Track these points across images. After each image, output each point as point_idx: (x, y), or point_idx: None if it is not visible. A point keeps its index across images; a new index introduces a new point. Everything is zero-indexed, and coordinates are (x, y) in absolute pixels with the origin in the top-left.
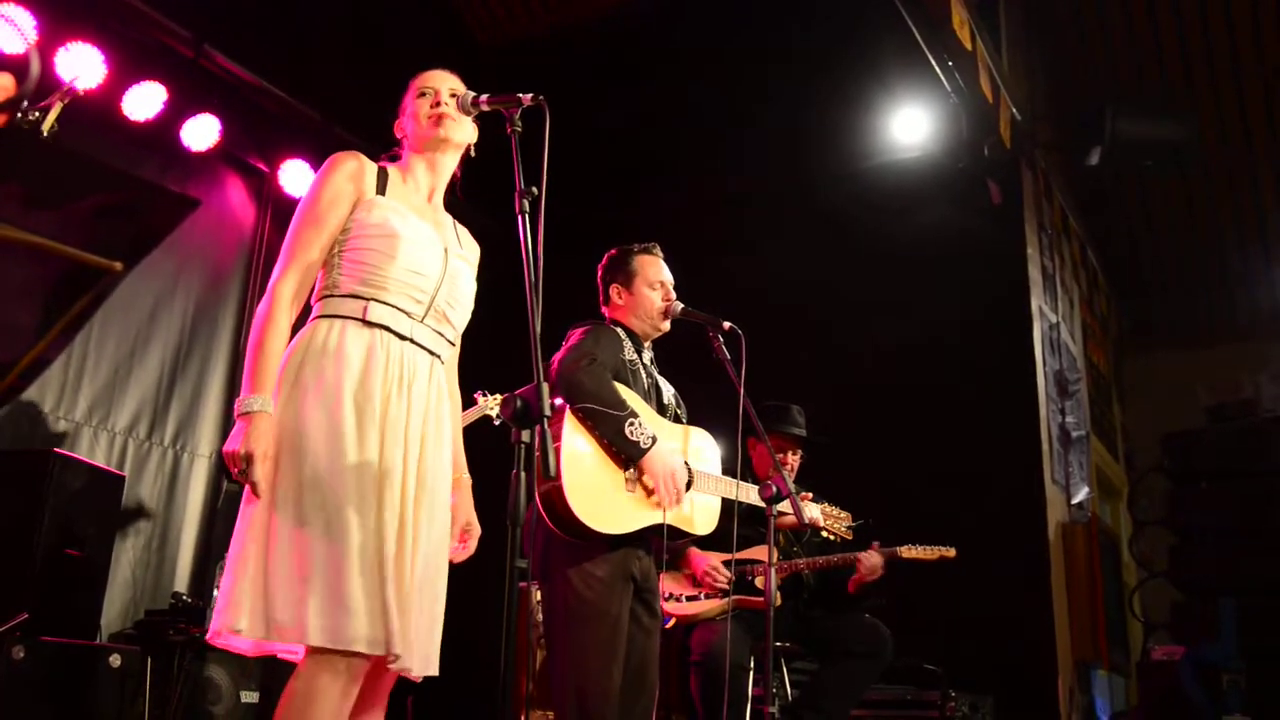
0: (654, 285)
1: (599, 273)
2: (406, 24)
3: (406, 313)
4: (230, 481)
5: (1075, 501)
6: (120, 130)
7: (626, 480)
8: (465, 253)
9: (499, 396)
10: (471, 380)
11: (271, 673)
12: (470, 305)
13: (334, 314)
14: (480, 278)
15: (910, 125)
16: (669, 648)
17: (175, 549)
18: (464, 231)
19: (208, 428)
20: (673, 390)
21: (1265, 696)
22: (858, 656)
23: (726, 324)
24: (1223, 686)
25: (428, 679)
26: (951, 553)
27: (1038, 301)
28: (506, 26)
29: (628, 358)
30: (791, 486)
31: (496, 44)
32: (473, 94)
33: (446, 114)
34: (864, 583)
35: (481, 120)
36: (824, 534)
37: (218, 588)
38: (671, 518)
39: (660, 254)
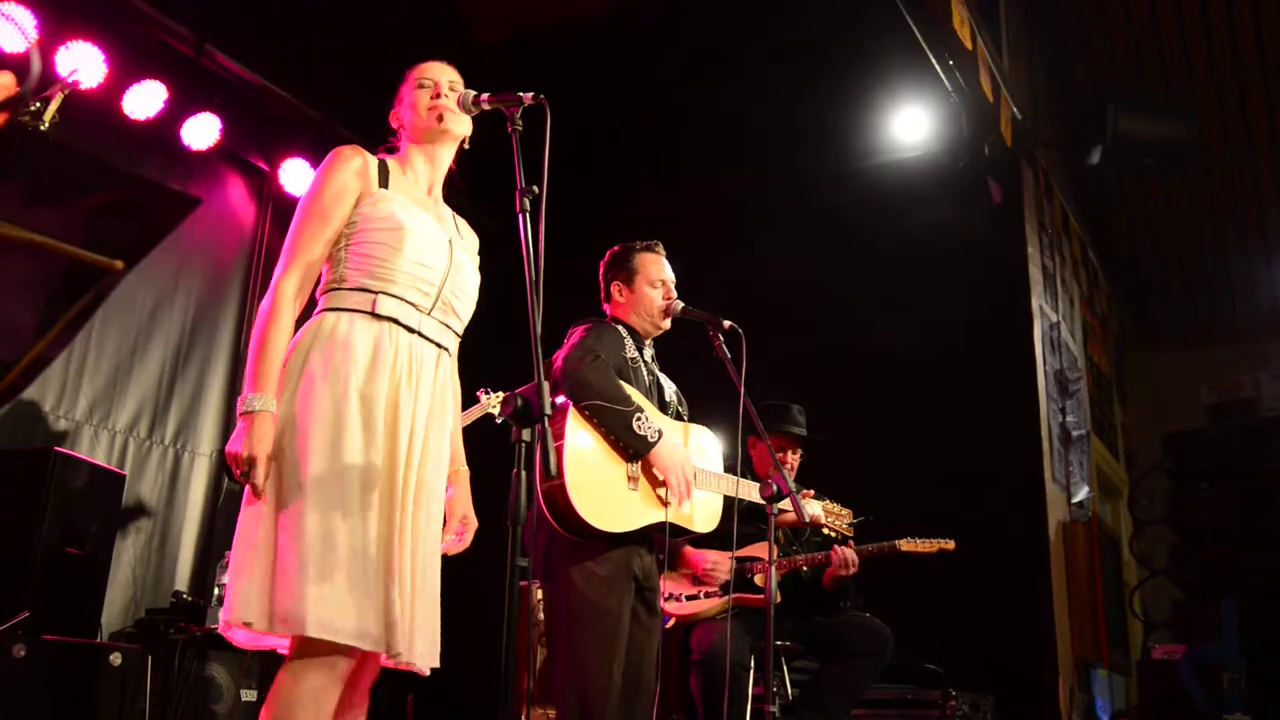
0: (655, 283)
1: (600, 270)
2: (406, 23)
3: (414, 305)
4: (231, 481)
5: (1076, 501)
6: (121, 129)
7: (629, 478)
8: (466, 243)
9: (501, 394)
10: (474, 378)
11: (271, 671)
12: (474, 296)
13: (341, 307)
14: (481, 278)
15: (911, 124)
16: (669, 647)
17: (176, 548)
18: (462, 222)
19: (208, 426)
20: (674, 388)
21: (1265, 696)
22: (858, 655)
23: (727, 323)
24: (1223, 686)
25: (428, 679)
26: (951, 545)
27: (1038, 301)
28: (506, 25)
29: (629, 355)
30: (792, 485)
31: (496, 42)
32: (473, 93)
33: (447, 106)
34: (838, 576)
35: (481, 119)
36: (825, 531)
37: (219, 585)
38: (673, 516)
39: (662, 252)
